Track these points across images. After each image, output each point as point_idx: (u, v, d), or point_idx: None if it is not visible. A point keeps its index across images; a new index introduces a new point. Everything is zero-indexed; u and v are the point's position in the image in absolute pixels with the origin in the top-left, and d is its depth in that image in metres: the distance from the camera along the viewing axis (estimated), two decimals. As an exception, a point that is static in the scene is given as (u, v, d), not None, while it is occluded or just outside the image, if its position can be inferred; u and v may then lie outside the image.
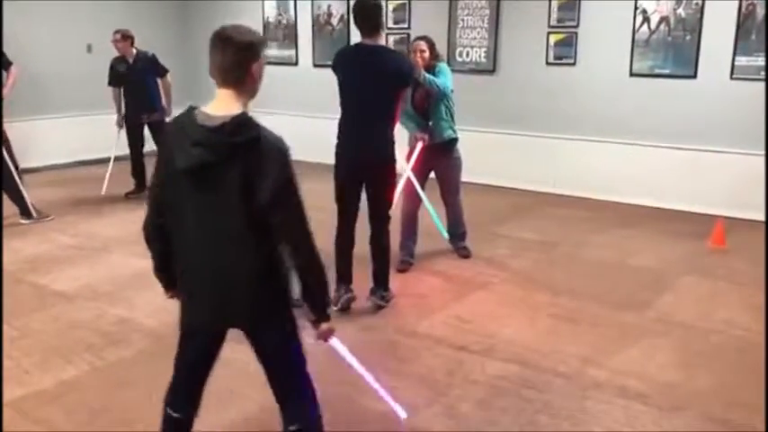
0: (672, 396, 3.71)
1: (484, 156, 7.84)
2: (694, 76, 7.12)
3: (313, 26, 9.85)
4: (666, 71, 7.28)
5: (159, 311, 4.51)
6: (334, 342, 2.77)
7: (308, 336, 2.63)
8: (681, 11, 7.11)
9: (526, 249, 6.15)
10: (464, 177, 5.90)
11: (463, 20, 8.44)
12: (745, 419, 3.49)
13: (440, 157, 5.64)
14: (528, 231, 6.67)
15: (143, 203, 2.64)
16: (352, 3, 4.74)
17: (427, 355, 4.18)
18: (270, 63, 10.24)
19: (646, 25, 7.31)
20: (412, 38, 8.50)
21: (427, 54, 5.41)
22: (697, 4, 7.01)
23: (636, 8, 7.34)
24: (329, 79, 4.64)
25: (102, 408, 3.61)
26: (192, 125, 2.30)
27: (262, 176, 2.26)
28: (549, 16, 7.85)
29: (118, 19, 9.75)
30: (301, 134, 9.72)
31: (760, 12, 6.68)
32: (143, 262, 3.12)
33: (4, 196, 6.81)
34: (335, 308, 4.73)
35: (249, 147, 2.27)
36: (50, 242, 6.40)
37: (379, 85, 4.45)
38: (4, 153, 6.71)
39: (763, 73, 6.70)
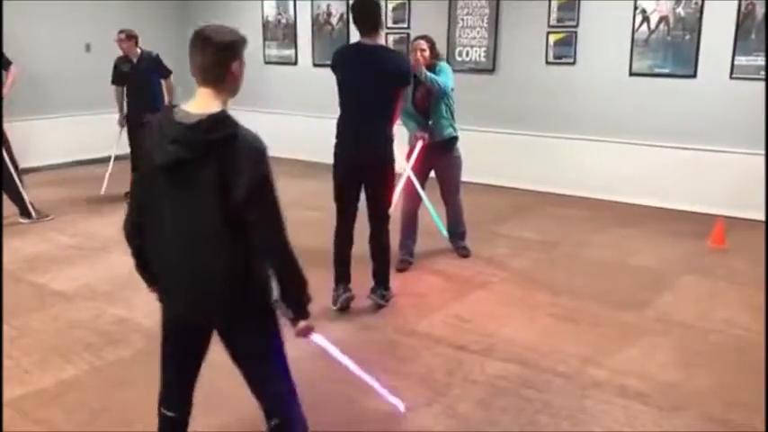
0: (672, 396, 3.71)
1: (484, 155, 7.84)
2: (694, 76, 7.12)
3: (312, 26, 9.85)
4: (666, 71, 7.28)
5: (158, 311, 4.43)
6: (317, 338, 2.74)
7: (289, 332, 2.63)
8: (680, 10, 7.10)
9: (526, 249, 6.15)
10: (464, 177, 5.90)
11: (463, 19, 8.44)
12: (745, 419, 3.49)
13: (440, 156, 5.64)
14: (528, 231, 6.67)
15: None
16: (351, 2, 4.73)
17: (427, 354, 4.18)
18: (269, 63, 10.28)
19: (645, 25, 7.31)
20: (411, 37, 8.54)
21: (428, 53, 5.41)
22: (696, 3, 7.00)
23: (635, 8, 7.33)
24: (329, 79, 4.64)
25: (101, 407, 3.61)
26: (170, 123, 2.32)
27: (237, 174, 2.26)
28: (549, 16, 7.85)
29: (117, 19, 9.75)
30: (301, 134, 9.83)
31: (759, 11, 6.68)
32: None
33: (4, 196, 6.81)
34: (334, 307, 4.74)
35: (225, 144, 2.27)
36: (50, 242, 6.40)
37: (378, 85, 4.45)
38: (4, 153, 6.71)
39: (762, 72, 6.69)
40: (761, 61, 6.70)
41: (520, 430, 3.41)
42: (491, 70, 8.37)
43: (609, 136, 7.68)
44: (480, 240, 6.16)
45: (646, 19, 7.30)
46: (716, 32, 6.92)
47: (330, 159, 4.65)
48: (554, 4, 7.79)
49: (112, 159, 8.07)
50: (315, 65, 9.80)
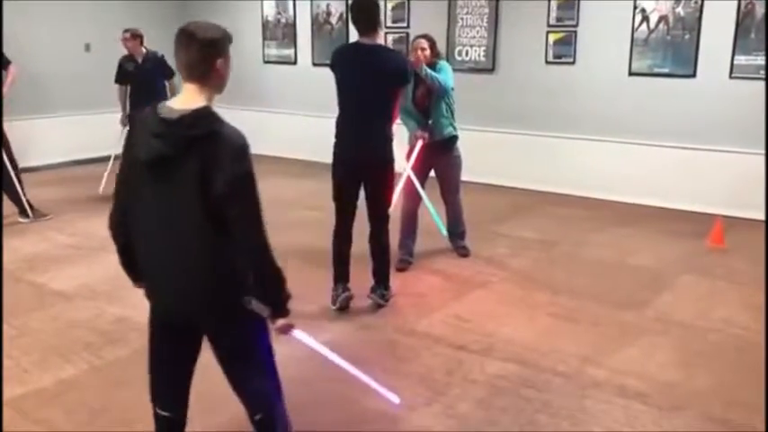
0: (671, 395, 3.71)
1: (483, 155, 7.83)
2: (693, 75, 7.12)
3: (312, 25, 9.85)
4: (665, 70, 7.28)
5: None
6: (299, 335, 2.71)
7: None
8: (680, 10, 7.11)
9: (525, 248, 6.15)
10: (464, 176, 5.90)
11: (462, 19, 8.44)
12: (745, 419, 3.49)
13: (440, 156, 5.64)
14: (527, 230, 6.67)
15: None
16: (350, 1, 4.73)
17: (426, 354, 4.18)
18: (269, 62, 10.27)
19: (645, 24, 7.31)
20: (411, 37, 8.55)
21: (428, 52, 5.41)
22: (696, 2, 7.00)
23: (635, 7, 7.33)
24: (328, 78, 4.64)
25: (101, 407, 3.61)
26: (154, 118, 2.33)
27: (217, 170, 2.25)
28: (549, 15, 7.85)
29: (117, 19, 9.76)
30: (300, 133, 9.83)
31: (759, 10, 6.68)
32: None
33: (4, 196, 6.81)
34: (334, 307, 4.74)
35: (207, 140, 2.27)
36: (49, 241, 6.40)
37: (377, 84, 4.44)
38: (3, 152, 6.71)
39: (762, 72, 6.70)
40: (760, 61, 6.70)
41: (519, 430, 3.40)
42: (491, 70, 8.37)
43: (608, 135, 7.69)
44: (480, 240, 6.16)
45: (645, 18, 7.30)
46: (715, 32, 6.92)
47: (329, 159, 4.64)
48: (553, 4, 7.80)
49: (112, 158, 8.04)
50: (314, 64, 9.79)
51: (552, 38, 7.89)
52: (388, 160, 4.61)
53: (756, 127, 6.71)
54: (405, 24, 8.93)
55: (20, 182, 6.94)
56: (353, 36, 4.67)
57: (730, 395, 3.72)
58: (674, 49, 7.19)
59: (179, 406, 2.68)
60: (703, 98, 7.09)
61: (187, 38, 2.33)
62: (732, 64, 6.87)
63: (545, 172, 8.10)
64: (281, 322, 2.50)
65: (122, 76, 7.88)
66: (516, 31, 8.12)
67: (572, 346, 4.27)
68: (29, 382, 3.85)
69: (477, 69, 8.39)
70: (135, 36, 7.71)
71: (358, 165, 4.56)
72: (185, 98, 2.36)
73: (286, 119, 10.20)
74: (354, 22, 4.53)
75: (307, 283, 5.20)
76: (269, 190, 9.07)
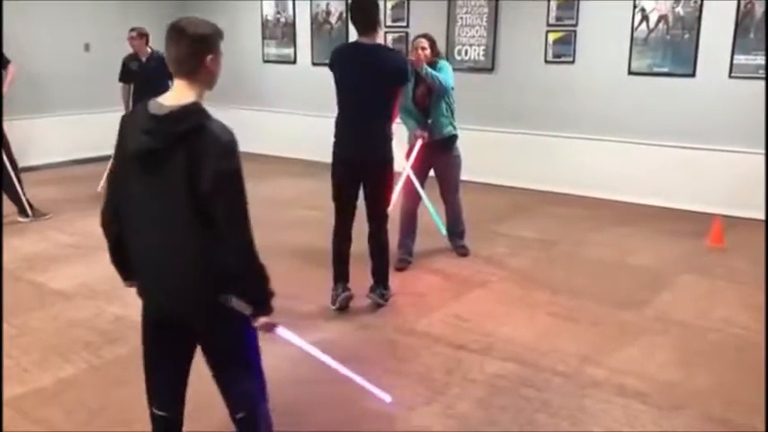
0: (671, 395, 3.71)
1: (483, 154, 7.83)
2: (693, 75, 7.12)
3: (311, 24, 9.85)
4: (665, 69, 7.28)
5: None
6: (283, 332, 2.68)
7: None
8: (679, 9, 7.11)
9: (525, 248, 6.15)
10: (463, 176, 5.89)
11: (462, 18, 8.44)
12: (745, 419, 3.49)
13: (439, 155, 5.64)
14: (527, 230, 6.67)
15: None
16: (349, 1, 4.73)
17: (426, 353, 4.18)
18: (268, 61, 10.25)
19: (644, 24, 7.31)
20: (410, 36, 8.55)
21: (428, 51, 5.41)
22: (696, 2, 7.01)
23: (634, 6, 7.33)
24: (328, 78, 4.63)
25: (100, 406, 3.61)
26: (144, 114, 2.33)
27: (203, 166, 2.24)
28: (548, 14, 7.85)
29: (116, 19, 9.79)
30: (299, 132, 9.82)
31: (759, 10, 6.68)
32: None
33: (4, 195, 6.81)
34: (333, 306, 4.73)
35: (194, 136, 2.26)
36: (48, 240, 6.40)
37: (376, 84, 4.44)
38: (3, 152, 6.71)
39: (761, 71, 6.70)
40: (760, 60, 6.71)
41: (519, 430, 3.40)
42: (490, 69, 8.36)
43: (608, 135, 7.69)
44: (479, 239, 6.16)
45: (645, 18, 7.30)
46: (715, 31, 6.92)
47: (329, 158, 4.64)
48: (553, 3, 7.80)
49: (113, 156, 8.05)
50: (314, 64, 9.79)
51: (552, 37, 7.89)
52: (388, 160, 4.60)
53: (756, 126, 6.72)
54: (404, 24, 8.93)
55: (19, 181, 6.94)
56: (353, 35, 4.66)
57: (730, 395, 3.72)
58: (674, 49, 7.19)
59: (175, 405, 2.68)
60: (703, 97, 7.09)
61: (177, 33, 2.33)
62: (731, 63, 6.88)
63: (544, 171, 8.10)
64: (262, 320, 2.47)
65: (126, 74, 7.92)
66: (516, 31, 8.12)
67: (571, 346, 4.27)
68: (28, 381, 3.85)
69: (476, 69, 8.39)
70: (141, 35, 7.75)
71: (357, 164, 4.56)
72: (175, 94, 2.36)
73: (285, 118, 10.19)
74: (354, 22, 4.52)
75: (306, 283, 5.22)
76: (268, 189, 9.14)
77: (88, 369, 4.01)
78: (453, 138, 5.66)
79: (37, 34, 9.24)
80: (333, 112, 4.62)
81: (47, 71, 9.33)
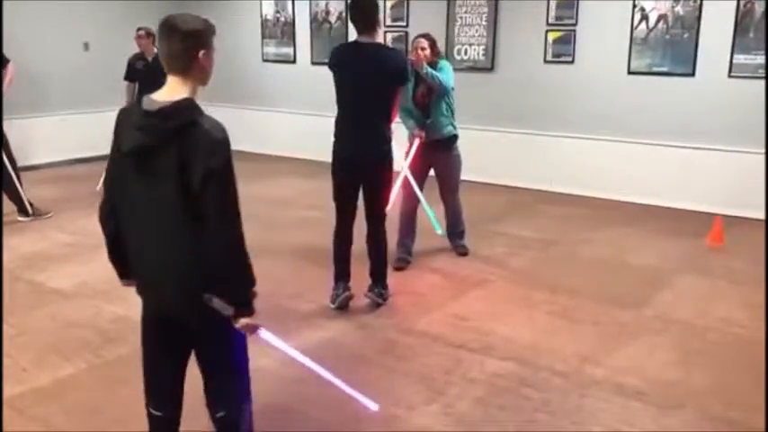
0: (670, 394, 3.71)
1: (482, 154, 7.83)
2: (692, 74, 7.12)
3: (311, 24, 9.84)
4: (664, 69, 7.28)
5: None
6: (265, 335, 2.65)
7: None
8: (679, 8, 7.10)
9: (524, 247, 6.15)
10: (462, 175, 5.88)
11: (462, 17, 8.43)
12: (745, 418, 3.49)
13: (439, 155, 5.64)
14: (526, 229, 6.67)
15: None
16: (349, 0, 4.73)
17: (425, 353, 4.18)
18: (267, 61, 10.24)
19: (644, 23, 7.31)
20: (410, 35, 8.54)
21: (428, 51, 5.40)
22: (695, 1, 7.00)
23: (634, 6, 7.33)
24: (327, 77, 4.63)
25: (99, 406, 3.61)
26: (138, 111, 2.34)
27: (194, 163, 2.24)
28: (548, 14, 7.84)
29: (116, 17, 9.80)
30: (299, 132, 9.82)
31: (758, 9, 6.68)
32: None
33: (3, 195, 6.81)
34: (333, 306, 4.73)
35: (186, 132, 2.25)
36: (48, 239, 6.40)
37: (376, 83, 4.43)
38: (2, 152, 6.72)
39: (761, 71, 6.70)
40: (759, 60, 6.70)
41: (518, 429, 3.41)
42: (490, 69, 8.36)
43: (607, 134, 7.69)
44: (478, 239, 6.16)
45: (644, 17, 7.30)
46: (714, 31, 6.92)
47: (329, 158, 4.64)
48: (552, 3, 7.79)
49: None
50: (313, 63, 9.78)
51: (551, 37, 7.89)
52: (387, 159, 4.60)
53: (755, 126, 6.72)
54: (404, 23, 8.93)
55: (19, 180, 6.94)
56: (352, 35, 4.66)
57: (729, 394, 3.72)
58: (673, 48, 7.19)
59: (172, 405, 2.68)
60: (702, 97, 7.09)
61: (168, 29, 2.33)
62: (731, 63, 6.87)
63: (544, 171, 8.11)
64: (244, 321, 2.43)
65: (132, 73, 7.96)
66: (515, 30, 8.11)
67: (571, 345, 4.27)
68: (27, 380, 3.85)
69: (476, 68, 8.38)
70: (149, 35, 7.78)
71: (357, 164, 4.55)
72: (168, 90, 2.36)
73: (285, 118, 10.19)
74: (353, 21, 4.52)
75: (306, 282, 5.22)
76: (268, 189, 9.14)
77: (87, 369, 4.01)
78: (453, 137, 5.66)
79: (36, 33, 9.23)
80: (332, 111, 4.62)
81: (46, 70, 9.32)
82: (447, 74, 5.42)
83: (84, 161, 9.54)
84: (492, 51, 8.31)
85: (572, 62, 7.81)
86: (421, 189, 5.68)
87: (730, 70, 6.89)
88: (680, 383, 3.83)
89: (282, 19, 10.16)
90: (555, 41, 7.87)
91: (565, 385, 3.80)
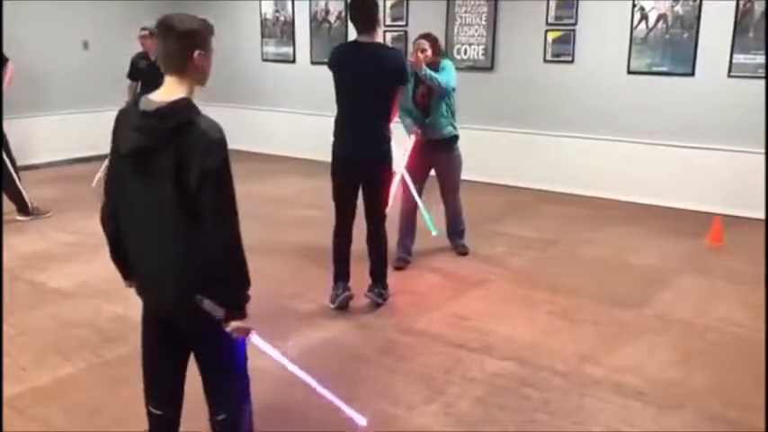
0: (670, 394, 3.71)
1: (482, 153, 7.83)
2: (692, 74, 7.12)
3: (310, 23, 9.84)
4: (664, 69, 7.28)
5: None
6: (257, 340, 2.63)
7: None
8: (678, 8, 7.10)
9: (524, 247, 6.15)
10: (462, 175, 5.88)
11: (461, 17, 8.43)
12: (744, 417, 3.49)
13: (440, 155, 5.63)
14: (526, 229, 6.67)
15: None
16: (349, 0, 4.73)
17: (425, 352, 4.18)
18: (267, 60, 10.24)
19: (644, 23, 7.31)
20: (410, 35, 8.54)
21: (429, 52, 5.38)
22: (695, 1, 7.00)
23: (634, 5, 7.33)
24: (327, 77, 4.63)
25: (98, 405, 3.61)
26: (135, 111, 2.33)
27: (190, 163, 2.23)
28: (548, 14, 7.85)
29: (115, 16, 9.79)
30: (299, 131, 9.82)
31: (758, 9, 6.68)
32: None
33: (3, 195, 6.81)
34: (332, 306, 4.73)
35: (182, 132, 2.25)
36: (48, 239, 6.39)
37: (376, 83, 4.43)
38: (2, 151, 6.72)
39: (760, 71, 6.70)
40: (759, 59, 6.70)
41: (518, 429, 3.40)
42: (489, 68, 8.36)
43: (607, 134, 7.69)
44: (478, 239, 6.16)
45: (644, 17, 7.30)
46: (714, 30, 6.92)
47: (328, 157, 4.64)
48: (552, 3, 7.79)
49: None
50: (313, 62, 9.78)
51: (551, 36, 7.89)
52: (387, 159, 4.60)
53: (755, 126, 6.72)
54: (403, 23, 8.93)
55: (19, 180, 6.94)
56: (352, 34, 4.66)
57: (729, 393, 3.72)
58: (673, 48, 7.19)
59: (172, 404, 2.68)
60: (702, 97, 7.09)
61: (165, 29, 2.33)
62: (731, 63, 6.87)
63: (543, 170, 8.11)
64: (235, 324, 2.41)
65: (135, 72, 7.98)
66: (515, 30, 8.11)
67: (571, 345, 4.27)
68: (27, 380, 3.85)
69: (475, 68, 8.38)
70: (152, 34, 7.77)
71: (356, 163, 4.55)
72: (165, 90, 2.36)
73: (284, 117, 10.19)
74: (353, 21, 4.51)
75: (306, 282, 5.22)
76: (268, 188, 9.13)
77: (87, 368, 4.01)
78: (454, 138, 5.65)
79: (36, 33, 9.23)
80: (332, 111, 4.62)
81: (45, 69, 9.32)
82: (448, 74, 5.40)
83: (83, 160, 9.54)
84: (491, 51, 8.31)
85: (572, 62, 7.81)
86: (421, 189, 5.68)
87: (730, 70, 6.89)
88: (680, 383, 3.83)
89: (282, 18, 10.15)
90: (554, 41, 7.87)
91: (565, 385, 3.80)
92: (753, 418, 3.45)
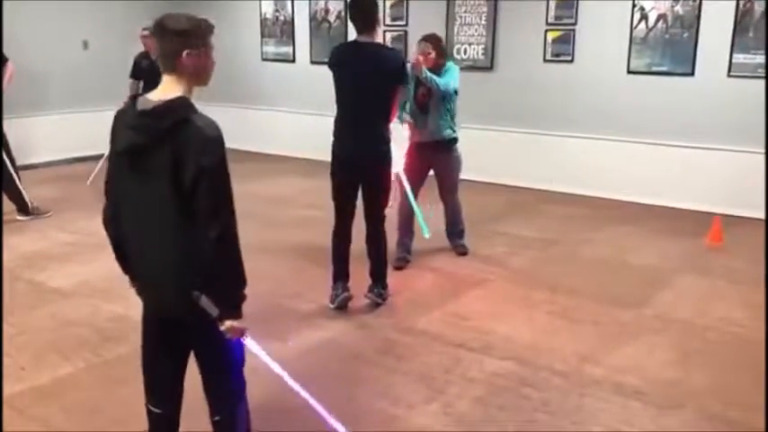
0: (670, 394, 3.71)
1: (481, 153, 7.83)
2: (692, 74, 7.11)
3: (310, 23, 9.84)
4: (664, 68, 7.28)
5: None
6: (250, 343, 2.61)
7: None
8: (678, 8, 7.10)
9: (524, 247, 6.15)
10: (462, 175, 5.87)
11: (461, 17, 8.43)
12: (744, 417, 3.49)
13: (438, 156, 5.62)
14: (526, 229, 6.67)
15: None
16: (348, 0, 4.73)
17: (425, 352, 4.18)
18: (267, 60, 10.24)
19: (643, 22, 7.31)
20: (409, 35, 8.56)
21: (433, 55, 5.36)
22: (694, 1, 7.00)
23: (633, 5, 7.33)
24: (326, 76, 4.62)
25: (98, 405, 3.61)
26: (132, 110, 2.34)
27: (186, 161, 2.23)
28: (547, 13, 7.84)
29: (115, 16, 9.79)
30: (299, 131, 9.82)
31: (758, 9, 6.68)
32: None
33: (3, 194, 6.81)
34: (332, 305, 4.73)
35: (178, 130, 2.25)
36: (48, 239, 6.39)
37: (376, 83, 4.43)
38: (2, 150, 6.72)
39: (760, 70, 6.69)
40: (759, 59, 6.70)
41: (518, 429, 3.40)
42: (489, 68, 8.36)
43: (607, 134, 7.69)
44: (478, 238, 6.16)
45: (644, 17, 7.30)
46: (714, 30, 6.92)
47: (328, 157, 4.64)
48: (552, 2, 7.79)
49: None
50: (312, 62, 9.78)
51: (551, 36, 7.89)
52: (386, 160, 4.60)
53: (755, 125, 6.72)
54: (403, 23, 8.92)
55: (19, 179, 6.94)
56: (352, 34, 4.65)
57: (729, 393, 3.72)
58: (673, 48, 7.19)
59: (171, 403, 2.68)
60: (702, 97, 7.09)
61: (160, 29, 2.35)
62: (730, 62, 6.87)
63: (543, 170, 8.11)
64: (229, 323, 2.40)
65: (137, 71, 7.99)
66: (515, 30, 8.11)
67: (570, 345, 4.27)
68: (26, 379, 3.85)
69: (475, 67, 8.37)
70: (153, 34, 7.78)
71: (356, 163, 4.55)
72: (162, 89, 2.37)
73: (284, 117, 10.19)
74: (353, 20, 4.51)
75: (305, 282, 5.22)
76: (268, 188, 9.12)
77: (87, 368, 4.00)
78: (453, 140, 5.63)
79: (36, 32, 9.23)
80: (332, 110, 4.62)
81: (45, 69, 9.32)
82: (450, 77, 5.37)
83: (83, 160, 9.52)
84: (491, 51, 8.30)
85: (571, 61, 7.81)
86: (418, 190, 5.65)
87: (730, 70, 6.89)
88: (679, 383, 3.83)
89: (282, 18, 10.15)
90: (554, 41, 7.87)
91: (564, 385, 3.80)
92: (752, 418, 3.45)
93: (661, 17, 7.21)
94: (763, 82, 6.65)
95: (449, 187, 5.80)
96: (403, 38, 8.81)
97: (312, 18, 9.81)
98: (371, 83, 4.42)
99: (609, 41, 7.53)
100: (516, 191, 8.09)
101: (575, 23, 7.72)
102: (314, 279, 5.17)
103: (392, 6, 8.98)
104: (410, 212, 5.66)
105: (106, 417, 3.50)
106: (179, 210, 2.29)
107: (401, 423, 3.45)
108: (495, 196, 7.84)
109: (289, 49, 10.15)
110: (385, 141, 4.56)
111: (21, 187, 6.93)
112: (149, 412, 2.69)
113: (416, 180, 5.59)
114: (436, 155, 5.61)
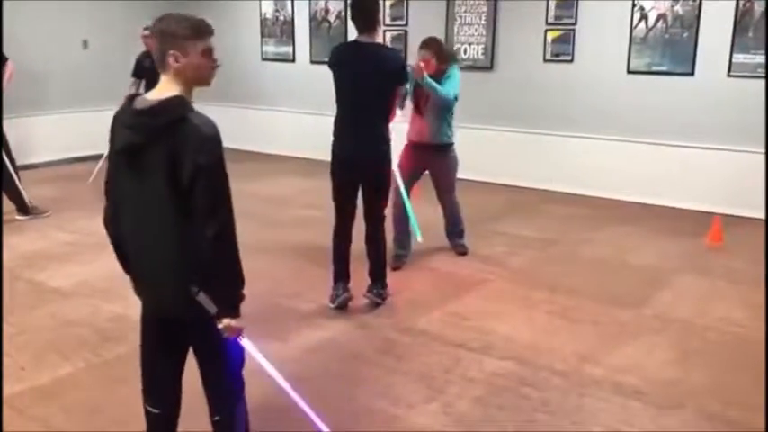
0: (669, 393, 3.71)
1: (481, 153, 7.84)
2: (692, 74, 7.12)
3: (310, 23, 9.84)
4: (664, 68, 7.28)
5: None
6: (246, 343, 2.60)
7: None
8: (678, 8, 7.10)
9: (524, 247, 6.15)
10: (462, 175, 5.88)
11: (461, 17, 8.43)
12: (743, 417, 3.49)
13: (433, 158, 5.61)
14: (525, 229, 6.67)
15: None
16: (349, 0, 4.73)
17: (424, 352, 4.18)
18: (267, 59, 10.25)
19: (643, 22, 7.31)
20: (410, 35, 8.56)
21: (434, 61, 5.33)
22: (694, 1, 7.00)
23: (633, 5, 7.33)
24: (326, 76, 4.62)
25: (98, 405, 3.60)
26: (129, 110, 2.35)
27: (183, 159, 2.23)
28: (547, 13, 7.84)
29: (115, 15, 9.79)
30: (298, 131, 9.82)
31: (757, 9, 6.68)
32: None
33: (3, 194, 6.81)
34: (332, 305, 4.73)
35: (174, 129, 2.25)
36: (47, 239, 6.39)
37: (376, 83, 4.43)
38: (2, 150, 6.72)
39: (760, 70, 6.70)
40: (759, 59, 6.70)
41: (518, 428, 3.40)
42: (489, 68, 8.36)
43: (606, 134, 7.69)
44: (478, 238, 6.16)
45: (644, 16, 7.30)
46: (714, 30, 6.92)
47: (328, 157, 4.64)
48: (552, 2, 7.79)
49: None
50: (312, 62, 9.78)
51: (551, 36, 7.89)
52: (386, 160, 4.60)
53: (755, 125, 6.72)
54: (403, 22, 8.92)
55: (18, 179, 6.94)
56: (352, 34, 4.65)
57: (728, 393, 3.72)
58: (673, 48, 7.19)
59: (169, 403, 2.68)
60: (702, 96, 7.09)
61: (153, 30, 2.39)
62: (730, 62, 6.87)
63: (543, 170, 8.11)
64: (226, 322, 2.40)
65: (139, 70, 7.98)
66: (515, 30, 8.11)
67: (570, 345, 4.27)
68: (26, 379, 3.85)
69: (475, 67, 8.37)
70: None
71: (356, 164, 4.54)
72: (158, 89, 2.38)
73: (284, 117, 10.19)
74: (353, 20, 4.51)
75: (305, 281, 5.22)
76: (267, 188, 9.12)
77: (86, 367, 4.00)
78: (448, 145, 5.62)
79: (35, 32, 9.22)
80: (332, 110, 4.61)
81: (45, 69, 9.32)
82: (450, 85, 5.34)
83: (83, 160, 9.52)
84: (491, 50, 8.30)
85: (571, 61, 7.81)
86: (410, 190, 5.62)
87: (729, 69, 6.89)
88: (679, 383, 3.84)
89: (282, 18, 10.15)
90: (554, 41, 7.87)
91: (564, 385, 3.80)
92: (752, 418, 3.45)
93: (661, 17, 7.21)
94: (762, 82, 6.66)
95: (445, 188, 5.79)
96: (403, 38, 8.81)
97: (312, 18, 9.81)
98: (371, 83, 4.42)
99: (609, 41, 7.53)
100: (516, 191, 8.09)
101: (574, 23, 7.72)
102: (314, 279, 5.17)
103: (392, 6, 8.98)
104: (403, 208, 5.62)
105: (106, 417, 3.50)
106: (177, 208, 2.29)
107: (401, 423, 3.45)
108: (494, 196, 7.84)
109: (289, 49, 10.15)
110: (385, 141, 4.57)
111: (20, 187, 6.93)
112: (147, 412, 2.69)
113: (409, 177, 5.56)
114: (431, 157, 5.60)
